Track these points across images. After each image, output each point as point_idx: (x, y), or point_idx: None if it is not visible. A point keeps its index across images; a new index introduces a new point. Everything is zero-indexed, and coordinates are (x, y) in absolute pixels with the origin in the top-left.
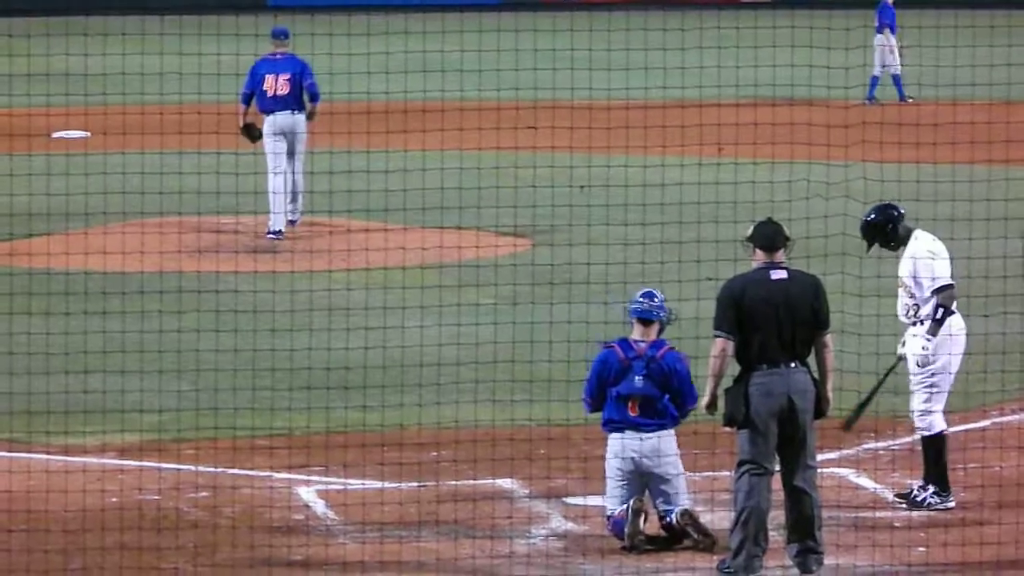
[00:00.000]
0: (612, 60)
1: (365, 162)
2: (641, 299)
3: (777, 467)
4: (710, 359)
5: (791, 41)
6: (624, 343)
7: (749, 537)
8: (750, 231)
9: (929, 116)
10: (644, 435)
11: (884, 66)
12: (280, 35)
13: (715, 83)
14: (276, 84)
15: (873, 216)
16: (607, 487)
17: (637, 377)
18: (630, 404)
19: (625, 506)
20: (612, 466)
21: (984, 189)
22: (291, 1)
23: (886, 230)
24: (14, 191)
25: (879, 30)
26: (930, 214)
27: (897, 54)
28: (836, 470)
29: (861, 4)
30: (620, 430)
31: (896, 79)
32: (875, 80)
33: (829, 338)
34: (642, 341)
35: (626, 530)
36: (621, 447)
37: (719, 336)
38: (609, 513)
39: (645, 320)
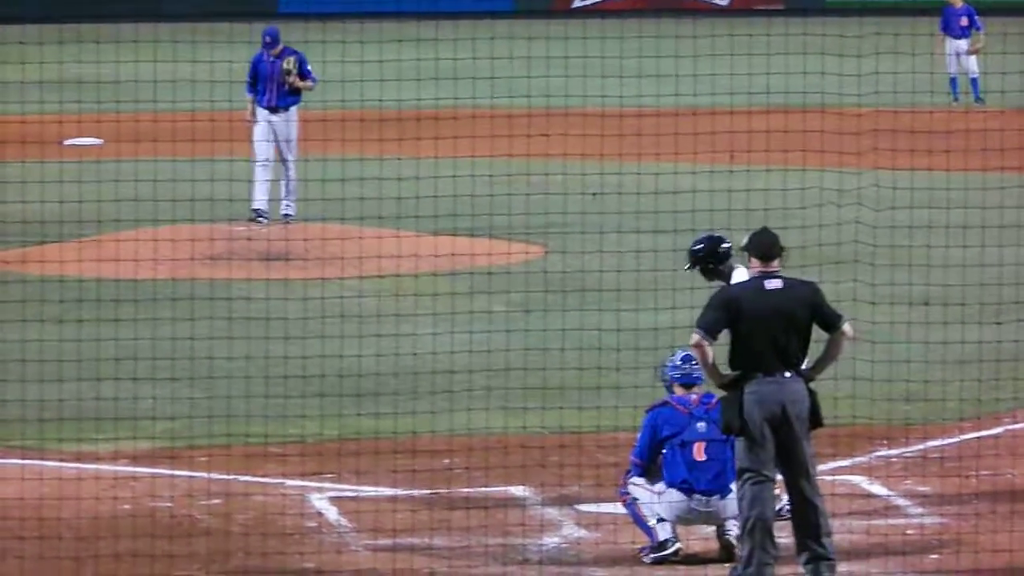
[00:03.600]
0: (624, 67)
1: (377, 169)
2: (681, 363)
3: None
4: (695, 355)
5: (803, 47)
6: (675, 399)
7: (757, 546)
8: (745, 240)
9: (942, 124)
10: (712, 499)
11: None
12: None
13: (727, 90)
14: None
15: (700, 247)
16: (652, 507)
17: (699, 423)
18: (696, 447)
19: (666, 539)
20: (668, 511)
21: (997, 196)
22: (302, 8)
23: (707, 266)
24: (27, 198)
25: (967, 34)
26: (943, 221)
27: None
28: (848, 477)
29: (877, 10)
30: (687, 492)
31: (955, 81)
32: (975, 81)
33: (846, 327)
34: (692, 395)
35: (651, 555)
36: (687, 508)
37: (697, 332)
38: (650, 526)
39: (688, 384)
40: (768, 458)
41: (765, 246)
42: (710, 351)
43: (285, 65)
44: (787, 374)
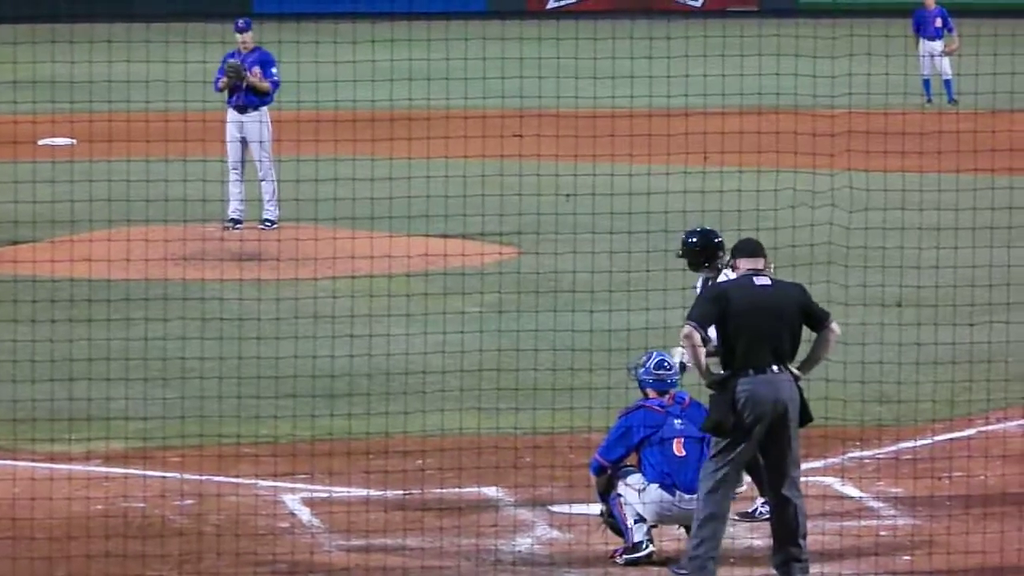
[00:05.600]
0: (598, 68)
1: (351, 169)
2: (655, 369)
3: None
4: (685, 348)
5: (777, 49)
6: (649, 401)
7: (706, 538)
8: (727, 256)
9: (916, 125)
10: (695, 496)
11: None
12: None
13: (701, 91)
14: None
15: (694, 241)
16: (633, 507)
17: (676, 420)
18: (675, 443)
19: (640, 541)
20: (650, 509)
21: (970, 198)
22: (276, 8)
23: (697, 259)
24: (0, 198)
25: (940, 35)
26: (916, 223)
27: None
28: (821, 479)
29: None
30: (670, 490)
31: (929, 83)
32: (948, 83)
33: (833, 325)
34: (665, 396)
35: (625, 556)
36: (669, 505)
37: (688, 323)
38: (628, 526)
39: (662, 390)
40: (742, 457)
41: (751, 245)
42: (700, 345)
43: (250, 76)
44: (778, 370)
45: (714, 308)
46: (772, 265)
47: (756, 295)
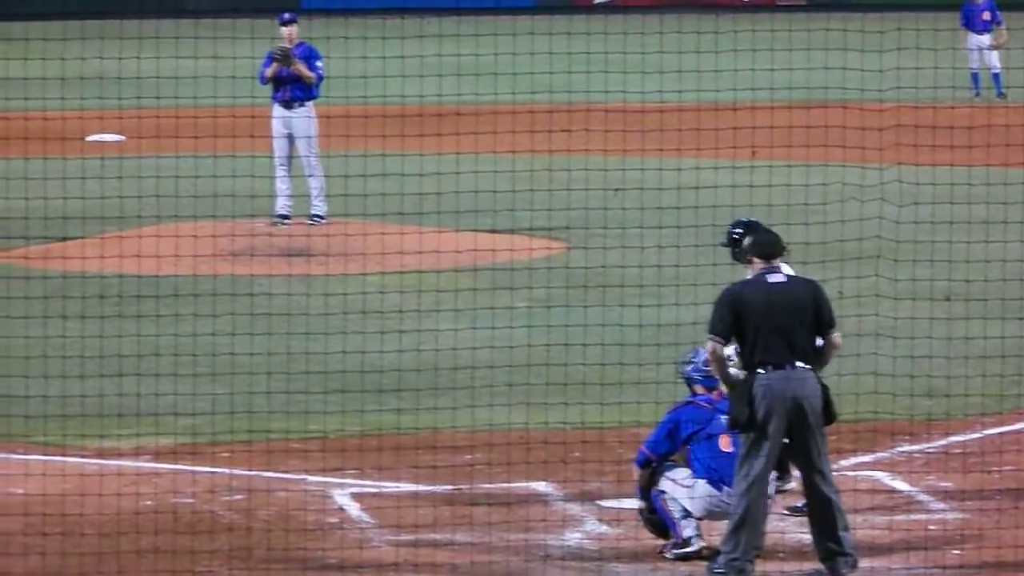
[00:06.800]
0: (646, 63)
1: (399, 165)
2: (703, 366)
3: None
4: (712, 364)
5: (825, 43)
6: (698, 397)
7: (743, 539)
8: (747, 240)
9: (965, 119)
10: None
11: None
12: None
13: (749, 86)
14: None
15: (739, 232)
16: (680, 503)
17: (723, 417)
18: (723, 440)
19: (689, 536)
20: (698, 505)
21: (1019, 192)
22: (324, 4)
23: (737, 248)
24: (48, 194)
25: (989, 28)
26: (965, 217)
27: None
28: (871, 473)
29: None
30: (717, 485)
31: (977, 76)
32: (997, 76)
33: (836, 336)
34: (714, 392)
35: (674, 551)
36: (717, 501)
37: (711, 338)
38: (675, 520)
39: (710, 386)
40: (771, 454)
41: (768, 246)
42: (725, 362)
43: (297, 65)
44: (798, 364)
45: (728, 312)
46: (787, 252)
47: (770, 292)
